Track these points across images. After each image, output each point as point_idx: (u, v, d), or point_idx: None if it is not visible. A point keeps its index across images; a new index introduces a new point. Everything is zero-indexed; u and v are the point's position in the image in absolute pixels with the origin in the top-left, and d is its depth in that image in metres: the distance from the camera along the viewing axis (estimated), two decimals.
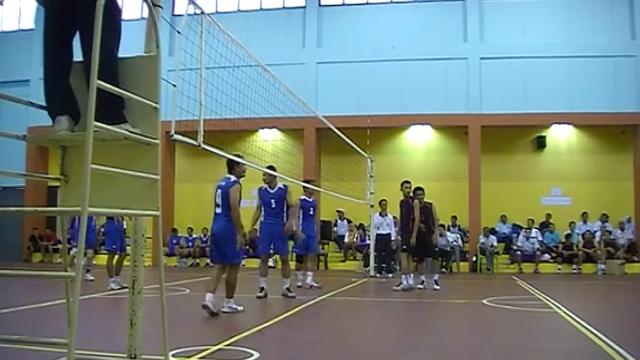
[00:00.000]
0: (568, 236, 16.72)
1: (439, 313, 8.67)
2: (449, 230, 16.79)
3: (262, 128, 17.61)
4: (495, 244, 16.74)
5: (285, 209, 9.35)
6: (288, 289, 9.31)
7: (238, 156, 7.64)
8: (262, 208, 9.31)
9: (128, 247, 4.59)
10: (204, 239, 17.71)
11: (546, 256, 16.66)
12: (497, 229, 17.71)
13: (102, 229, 11.37)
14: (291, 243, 10.77)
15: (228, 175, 7.55)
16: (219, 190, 7.43)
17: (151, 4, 3.35)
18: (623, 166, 17.62)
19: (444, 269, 15.75)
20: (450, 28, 18.21)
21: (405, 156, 18.95)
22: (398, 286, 10.84)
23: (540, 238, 16.95)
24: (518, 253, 16.57)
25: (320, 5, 19.03)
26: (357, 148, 14.35)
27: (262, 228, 9.38)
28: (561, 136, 18.46)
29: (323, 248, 17.36)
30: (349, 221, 17.80)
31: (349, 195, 14.42)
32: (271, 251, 9.81)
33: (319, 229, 16.13)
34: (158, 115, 3.27)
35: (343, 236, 17.85)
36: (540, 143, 18.28)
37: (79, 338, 2.65)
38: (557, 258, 16.46)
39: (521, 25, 17.86)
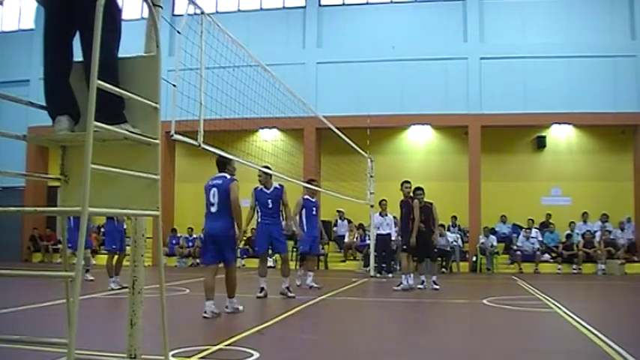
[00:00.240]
0: (568, 236, 16.72)
1: (439, 313, 8.67)
2: (449, 230, 16.78)
3: (262, 128, 17.61)
4: (495, 244, 16.74)
5: (281, 209, 9.36)
6: (287, 288, 9.30)
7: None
8: (258, 209, 9.26)
9: (128, 247, 4.59)
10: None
11: (546, 256, 16.66)
12: (497, 229, 17.72)
13: (102, 229, 11.38)
14: (291, 243, 10.77)
15: (222, 174, 7.41)
16: (215, 189, 7.27)
17: (150, 4, 3.35)
18: (623, 166, 17.62)
19: (443, 269, 15.77)
20: (450, 28, 18.22)
21: (405, 156, 18.95)
22: (398, 286, 10.84)
23: (540, 238, 16.95)
24: (518, 253, 16.57)
25: (320, 5, 19.03)
26: (357, 148, 14.35)
27: (259, 228, 9.34)
28: (561, 136, 18.46)
29: (323, 248, 17.35)
30: (349, 221, 17.80)
31: (349, 195, 14.42)
32: (270, 251, 9.79)
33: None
34: (158, 115, 3.27)
35: (343, 236, 17.85)
36: (540, 143, 18.28)
37: (79, 338, 2.65)
38: (557, 258, 16.45)
39: (521, 25, 17.86)
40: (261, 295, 9.06)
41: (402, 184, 11.13)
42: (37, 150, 18.84)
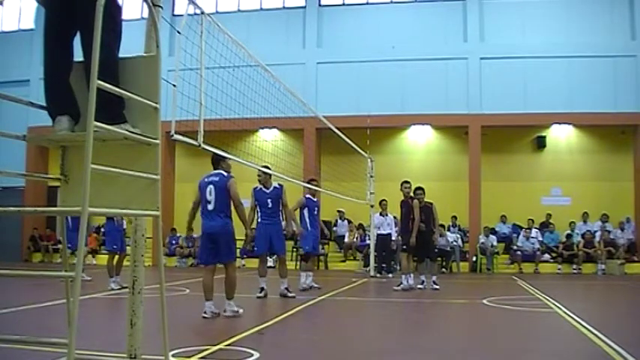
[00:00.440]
0: (568, 236, 16.71)
1: (439, 313, 8.67)
2: (449, 230, 16.78)
3: (262, 128, 17.59)
4: (495, 244, 16.74)
5: (280, 209, 9.36)
6: (287, 288, 9.30)
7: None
8: (257, 209, 9.26)
9: (128, 247, 4.59)
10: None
11: (546, 256, 16.66)
12: (497, 229, 17.71)
13: (102, 229, 11.38)
14: (290, 243, 10.76)
15: (218, 171, 7.27)
16: (211, 186, 7.12)
17: (150, 4, 3.35)
18: (623, 166, 17.62)
19: (444, 269, 15.78)
20: (450, 28, 18.22)
21: (405, 156, 18.95)
22: (398, 286, 10.84)
23: (540, 238, 16.95)
24: (519, 253, 16.57)
25: (320, 5, 19.03)
26: (357, 148, 14.35)
27: (259, 228, 9.31)
28: (561, 136, 18.46)
29: (323, 248, 17.35)
30: (349, 221, 17.80)
31: (349, 195, 14.42)
32: (269, 251, 9.77)
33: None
34: (158, 115, 3.27)
35: (343, 236, 17.85)
36: (540, 143, 18.28)
37: (79, 338, 2.66)
38: (558, 258, 16.45)
39: (521, 25, 17.86)
40: (261, 295, 9.06)
41: (401, 184, 11.13)
42: (37, 150, 18.84)
